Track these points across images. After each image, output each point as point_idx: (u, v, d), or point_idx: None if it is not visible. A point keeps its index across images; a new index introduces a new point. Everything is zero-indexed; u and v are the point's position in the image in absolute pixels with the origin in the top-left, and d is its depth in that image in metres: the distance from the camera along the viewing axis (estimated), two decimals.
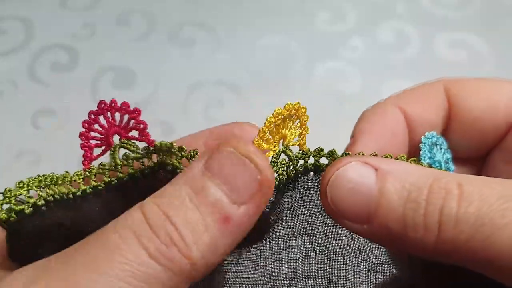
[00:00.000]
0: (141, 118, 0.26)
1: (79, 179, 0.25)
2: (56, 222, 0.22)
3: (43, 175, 0.24)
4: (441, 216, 0.20)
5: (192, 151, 0.24)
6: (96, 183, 0.25)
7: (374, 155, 0.23)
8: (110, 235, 0.19)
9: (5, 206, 0.23)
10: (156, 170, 0.24)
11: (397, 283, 0.25)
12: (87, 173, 0.25)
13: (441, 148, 0.27)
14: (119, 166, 0.25)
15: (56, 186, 0.24)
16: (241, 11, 0.73)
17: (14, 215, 0.22)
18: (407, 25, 0.70)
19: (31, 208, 0.23)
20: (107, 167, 0.25)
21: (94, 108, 0.26)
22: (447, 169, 0.26)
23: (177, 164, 0.24)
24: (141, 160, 0.25)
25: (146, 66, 0.68)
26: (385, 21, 0.71)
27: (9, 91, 0.66)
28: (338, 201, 0.21)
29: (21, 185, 0.23)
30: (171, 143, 0.24)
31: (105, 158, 0.26)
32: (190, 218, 0.19)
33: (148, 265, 0.18)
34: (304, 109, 0.26)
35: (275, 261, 0.25)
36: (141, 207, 0.20)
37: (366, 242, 0.26)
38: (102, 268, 0.18)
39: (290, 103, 0.25)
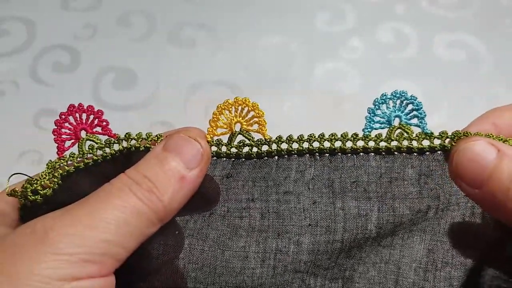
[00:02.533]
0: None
1: (57, 165, 0.32)
2: (61, 201, 0.29)
3: (46, 169, 0.32)
4: None
5: (158, 135, 0.33)
6: (67, 168, 0.32)
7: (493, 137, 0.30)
8: (106, 187, 0.29)
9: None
10: (118, 156, 0.33)
11: (332, 234, 0.33)
12: (61, 161, 0.32)
13: (397, 105, 0.33)
14: (85, 154, 0.33)
15: (58, 171, 0.32)
16: (241, 11, 0.73)
17: (40, 198, 0.30)
18: (407, 26, 0.71)
19: (51, 191, 0.31)
20: (76, 156, 0.33)
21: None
22: (406, 123, 0.33)
23: (148, 146, 0.33)
24: (103, 149, 0.33)
25: (147, 66, 0.68)
26: (385, 21, 0.71)
27: (11, 91, 0.67)
28: (461, 166, 0.28)
29: (47, 172, 0.31)
30: (129, 133, 0.33)
31: (75, 149, 0.33)
32: (160, 177, 0.29)
33: (137, 204, 0.28)
34: (256, 104, 0.34)
35: (238, 217, 0.34)
36: (125, 172, 0.29)
37: (309, 204, 0.33)
38: (103, 204, 0.28)
39: (239, 98, 0.34)
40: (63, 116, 0.33)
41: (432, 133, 0.32)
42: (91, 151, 0.33)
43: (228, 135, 0.34)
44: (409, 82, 0.66)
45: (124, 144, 0.33)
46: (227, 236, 0.33)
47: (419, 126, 0.33)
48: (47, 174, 0.31)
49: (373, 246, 0.32)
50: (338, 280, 0.32)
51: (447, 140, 0.32)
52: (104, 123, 0.34)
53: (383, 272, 0.32)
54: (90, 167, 0.33)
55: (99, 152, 0.33)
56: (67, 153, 0.33)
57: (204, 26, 0.71)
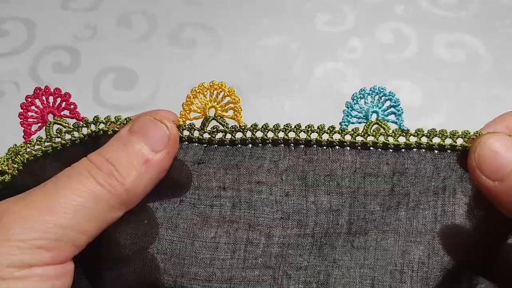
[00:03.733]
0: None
1: (23, 150, 0.31)
2: (26, 186, 0.29)
3: (6, 154, 0.31)
4: None
5: (127, 118, 0.32)
6: (35, 152, 0.32)
7: None
8: (67, 171, 0.28)
9: None
10: (87, 140, 0.32)
11: (303, 228, 0.32)
12: (28, 145, 0.32)
13: (375, 101, 0.33)
14: (53, 138, 0.32)
15: (19, 157, 0.31)
16: (241, 12, 0.73)
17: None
18: (406, 26, 0.71)
19: (9, 177, 0.30)
20: (43, 139, 0.32)
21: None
22: (383, 119, 0.32)
23: (117, 129, 0.31)
24: (72, 133, 0.32)
25: (147, 66, 0.68)
26: (384, 22, 0.71)
27: (11, 92, 0.67)
28: (483, 158, 0.29)
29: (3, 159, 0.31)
30: (97, 117, 0.32)
31: (42, 133, 0.32)
32: (123, 160, 0.28)
33: (96, 188, 0.27)
34: (233, 90, 0.33)
35: (208, 205, 0.33)
36: (87, 157, 0.29)
37: (282, 196, 0.33)
38: (61, 188, 0.27)
39: (215, 81, 0.33)
40: (29, 99, 0.33)
41: (408, 130, 0.32)
42: (59, 135, 0.32)
43: (201, 120, 0.33)
44: (409, 82, 0.66)
45: (93, 127, 0.32)
46: (198, 226, 0.33)
47: (396, 123, 0.33)
48: (5, 160, 0.31)
49: (346, 247, 0.32)
50: (312, 284, 0.32)
51: (434, 138, 0.32)
52: (72, 106, 0.33)
53: (358, 277, 0.32)
54: (59, 151, 0.32)
55: (68, 137, 0.32)
56: (34, 137, 0.32)
57: (204, 26, 0.71)
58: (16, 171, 0.30)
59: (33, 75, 0.68)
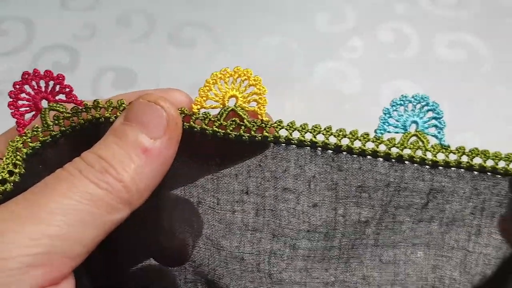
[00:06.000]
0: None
1: (20, 144, 0.28)
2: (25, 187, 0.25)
3: (8, 152, 0.27)
4: None
5: (118, 101, 0.28)
6: (33, 144, 0.28)
7: None
8: (58, 172, 0.25)
9: None
10: (87, 126, 0.28)
11: (330, 241, 0.30)
12: (23, 138, 0.28)
13: (416, 110, 0.30)
14: (51, 126, 0.28)
15: (18, 156, 0.27)
16: (241, 11, 0.73)
17: (11, 186, 0.26)
18: (407, 26, 0.70)
19: (18, 176, 0.27)
20: (40, 129, 0.28)
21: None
22: (422, 130, 0.30)
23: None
24: (71, 119, 0.28)
25: (147, 66, 0.68)
26: (385, 21, 0.71)
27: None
28: None
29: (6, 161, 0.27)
30: (97, 100, 0.28)
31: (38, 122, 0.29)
32: (118, 154, 0.25)
33: (89, 188, 0.24)
34: (259, 79, 0.30)
35: (229, 211, 0.30)
36: (80, 156, 0.26)
37: (309, 207, 0.30)
38: (49, 193, 0.23)
39: (240, 67, 0.30)
40: (17, 86, 0.28)
41: (449, 146, 0.30)
42: (57, 122, 0.28)
43: (219, 110, 0.29)
44: (409, 82, 0.65)
45: (93, 112, 0.28)
46: (221, 234, 0.30)
47: (436, 137, 0.30)
48: (7, 164, 0.26)
49: (375, 262, 0.31)
50: None
51: (465, 157, 0.30)
52: (68, 89, 0.28)
53: None
54: (59, 140, 0.28)
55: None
56: (29, 127, 0.28)
57: (204, 26, 0.71)
58: (18, 177, 0.27)
59: None
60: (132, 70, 0.67)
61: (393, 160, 0.30)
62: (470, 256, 0.31)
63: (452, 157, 0.30)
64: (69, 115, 0.28)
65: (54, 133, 0.28)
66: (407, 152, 0.29)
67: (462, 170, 0.30)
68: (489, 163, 0.29)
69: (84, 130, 0.29)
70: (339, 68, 0.67)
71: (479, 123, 0.60)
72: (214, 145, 0.29)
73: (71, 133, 0.28)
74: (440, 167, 0.30)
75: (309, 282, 0.31)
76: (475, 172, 0.30)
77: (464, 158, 0.30)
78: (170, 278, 0.30)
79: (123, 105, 0.28)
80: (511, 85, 0.65)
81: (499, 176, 0.29)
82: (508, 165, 0.29)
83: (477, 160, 0.30)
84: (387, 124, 0.30)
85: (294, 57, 0.68)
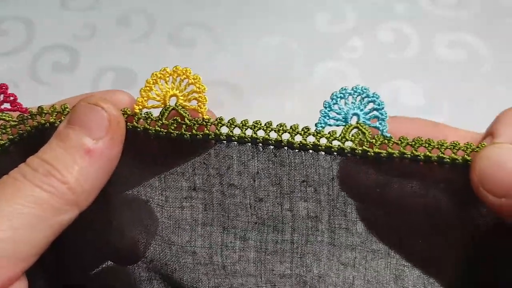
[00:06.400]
0: None
1: None
2: None
3: None
4: None
5: (62, 105, 0.29)
6: None
7: None
8: (5, 179, 0.25)
9: None
10: (34, 133, 0.29)
11: (280, 234, 0.31)
12: None
13: (356, 102, 0.30)
14: None
15: None
16: (241, 11, 0.73)
17: None
18: (407, 26, 0.70)
19: None
20: None
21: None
22: (364, 122, 0.29)
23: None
24: (18, 127, 0.29)
25: (147, 66, 0.67)
26: (385, 21, 0.71)
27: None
28: (484, 173, 0.26)
29: None
30: (41, 107, 0.29)
31: None
32: (61, 157, 0.26)
33: (34, 192, 0.25)
34: (198, 77, 0.30)
35: (178, 207, 0.31)
36: (25, 161, 0.26)
37: (256, 201, 0.31)
38: (1, 199, 0.24)
39: (179, 67, 0.30)
40: None
41: (391, 137, 0.28)
42: (4, 131, 0.29)
43: (160, 109, 0.30)
44: (409, 82, 0.65)
45: (39, 119, 0.29)
46: (170, 230, 0.31)
47: (378, 128, 0.29)
48: None
49: (333, 262, 0.30)
50: None
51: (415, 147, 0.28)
52: (12, 98, 0.30)
53: None
54: (8, 148, 0.29)
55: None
56: None
57: (204, 26, 0.71)
58: None
59: (32, 74, 0.67)
60: (132, 70, 0.67)
61: (335, 154, 0.29)
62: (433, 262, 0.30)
63: (396, 149, 0.28)
64: (16, 123, 0.29)
65: (3, 142, 0.29)
66: (348, 144, 0.29)
67: (406, 161, 0.28)
68: (435, 152, 0.28)
69: (31, 137, 0.29)
70: (339, 68, 0.67)
71: (479, 123, 0.60)
72: (158, 144, 0.29)
73: (20, 141, 0.29)
74: (384, 159, 0.28)
75: (264, 274, 0.31)
76: (421, 163, 0.28)
77: (409, 149, 0.28)
78: (125, 277, 0.31)
79: (67, 109, 0.29)
80: (511, 85, 0.65)
81: (447, 165, 0.28)
82: (454, 153, 0.27)
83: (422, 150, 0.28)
84: (327, 117, 0.30)
85: (294, 57, 0.68)
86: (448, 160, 0.27)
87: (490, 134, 0.29)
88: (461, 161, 0.27)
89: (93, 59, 0.68)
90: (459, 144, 0.27)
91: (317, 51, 0.69)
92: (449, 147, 0.28)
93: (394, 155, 0.28)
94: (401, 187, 0.29)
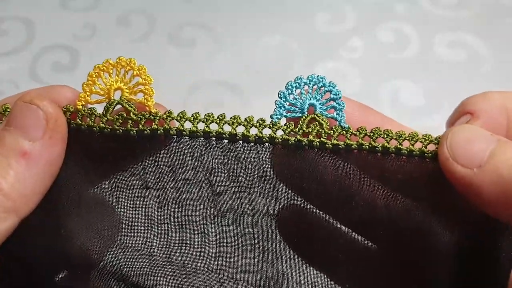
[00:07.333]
0: None
1: None
2: None
3: None
4: None
5: (2, 106, 0.27)
6: None
7: None
8: None
9: None
10: None
11: (241, 227, 0.29)
12: None
13: (312, 92, 0.28)
14: None
15: None
16: (241, 11, 0.73)
17: None
18: (407, 26, 0.70)
19: None
20: None
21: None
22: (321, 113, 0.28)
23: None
24: None
25: (147, 66, 0.67)
26: (385, 21, 0.71)
27: (10, 91, 0.66)
28: (456, 146, 0.25)
29: None
30: None
31: None
32: None
33: None
34: (143, 68, 0.29)
35: (131, 207, 0.29)
36: None
37: (214, 195, 0.29)
38: None
39: (123, 57, 0.29)
40: None
41: (349, 128, 0.27)
42: None
43: (104, 104, 0.28)
44: (409, 82, 0.65)
45: None
46: (123, 233, 0.29)
47: (335, 119, 0.28)
48: None
49: (294, 260, 0.30)
50: None
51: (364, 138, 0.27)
52: None
53: None
54: None
55: None
56: None
57: (204, 26, 0.71)
58: None
59: (32, 74, 0.67)
60: None
61: (292, 147, 0.27)
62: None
63: (354, 139, 0.28)
64: None
65: None
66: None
67: (364, 152, 0.27)
68: (394, 143, 0.27)
69: None
70: (339, 68, 0.67)
71: None
72: (104, 142, 0.27)
73: None
74: (342, 151, 0.27)
75: (226, 269, 0.30)
76: (379, 154, 0.27)
77: (367, 140, 0.27)
78: (81, 286, 0.29)
79: (8, 110, 0.27)
80: (511, 85, 0.65)
81: (403, 156, 0.27)
82: (412, 144, 0.27)
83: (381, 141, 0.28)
84: (283, 108, 0.28)
85: (294, 57, 0.68)
86: (405, 151, 0.27)
87: (468, 112, 0.29)
88: (418, 152, 0.27)
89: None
90: (417, 135, 0.27)
91: (317, 51, 0.69)
92: (407, 138, 0.27)
93: (353, 146, 0.27)
94: (359, 179, 0.28)
